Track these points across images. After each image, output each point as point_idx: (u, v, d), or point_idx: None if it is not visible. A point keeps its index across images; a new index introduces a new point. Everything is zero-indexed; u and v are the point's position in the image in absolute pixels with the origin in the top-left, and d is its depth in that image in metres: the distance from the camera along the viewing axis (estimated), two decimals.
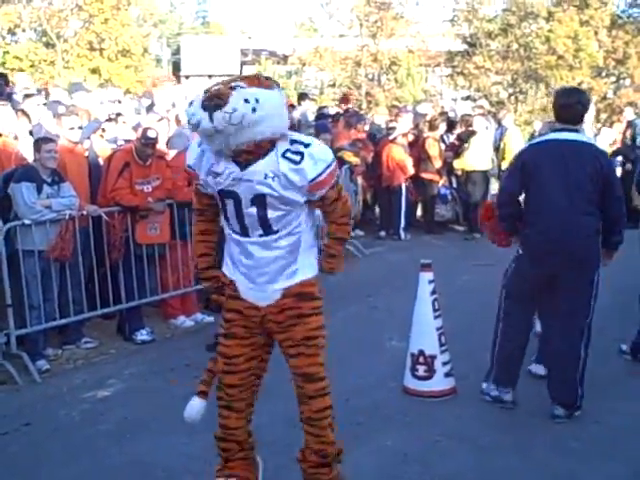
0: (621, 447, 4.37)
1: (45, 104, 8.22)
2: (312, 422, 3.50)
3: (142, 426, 4.81)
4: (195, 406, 3.65)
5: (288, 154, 3.22)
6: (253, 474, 3.73)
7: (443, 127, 12.07)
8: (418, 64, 22.07)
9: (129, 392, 5.49)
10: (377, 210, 12.20)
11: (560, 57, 20.95)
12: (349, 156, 10.37)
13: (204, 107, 3.05)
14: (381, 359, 5.86)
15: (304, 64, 22.74)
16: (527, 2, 21.63)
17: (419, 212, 12.52)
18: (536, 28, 21.89)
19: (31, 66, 21.88)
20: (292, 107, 11.05)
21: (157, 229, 6.78)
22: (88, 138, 7.25)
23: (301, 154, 3.23)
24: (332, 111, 12.36)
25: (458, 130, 12.17)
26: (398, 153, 11.20)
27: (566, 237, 4.58)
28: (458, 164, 11.61)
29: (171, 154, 7.35)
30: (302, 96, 12.52)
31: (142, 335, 6.66)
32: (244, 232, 3.37)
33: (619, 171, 10.73)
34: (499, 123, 12.80)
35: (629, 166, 11.35)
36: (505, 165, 11.34)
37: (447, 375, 5.15)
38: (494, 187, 12.09)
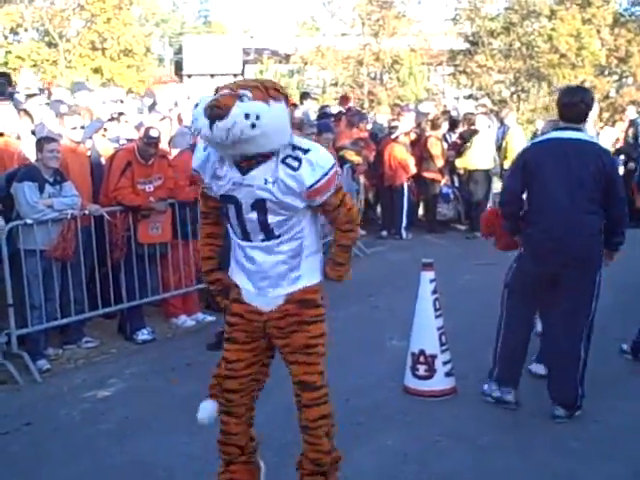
0: (621, 447, 4.37)
1: (47, 104, 8.23)
2: (308, 430, 3.50)
3: (143, 426, 4.82)
4: (207, 408, 3.64)
5: (288, 160, 3.21)
6: (255, 478, 3.72)
7: (445, 126, 12.06)
8: (420, 63, 22.05)
9: (130, 392, 5.50)
10: (379, 209, 12.20)
11: (562, 55, 20.92)
12: (351, 155, 10.37)
13: (206, 114, 3.05)
14: (382, 358, 5.86)
15: (306, 63, 22.72)
16: (529, 0, 21.59)
17: (421, 211, 12.52)
18: (538, 26, 21.86)
19: (33, 65, 21.87)
20: (294, 106, 11.05)
21: (159, 228, 6.78)
22: (90, 138, 7.26)
23: (299, 160, 3.21)
24: (334, 110, 12.36)
25: (460, 129, 12.16)
26: (400, 152, 11.20)
27: (568, 236, 4.57)
28: (460, 163, 11.61)
29: (173, 153, 7.36)
30: (304, 95, 12.54)
31: (143, 335, 6.67)
32: (246, 237, 3.37)
33: (621, 170, 10.71)
34: (501, 122, 12.79)
35: (632, 165, 11.33)
36: (507, 164, 11.33)
37: (447, 375, 5.15)
38: (496, 186, 12.08)
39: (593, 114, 12.02)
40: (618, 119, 15.17)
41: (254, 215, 3.27)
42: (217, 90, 3.21)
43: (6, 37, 23.67)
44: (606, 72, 22.34)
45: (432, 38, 22.75)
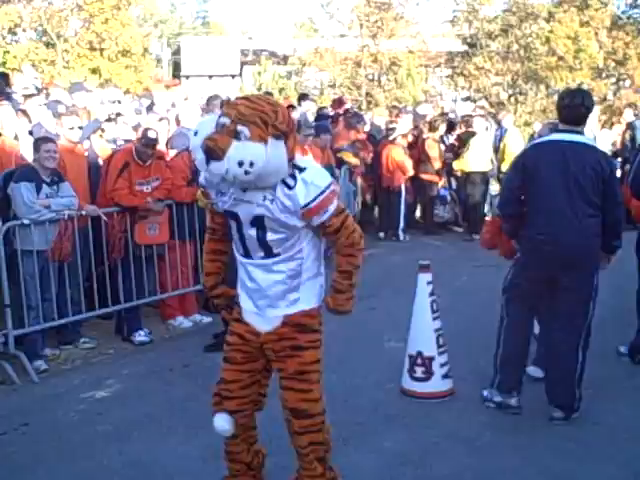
0: (620, 448, 4.37)
1: (46, 104, 8.22)
2: (299, 455, 3.50)
3: (140, 426, 4.81)
4: (222, 418, 3.56)
5: (286, 178, 3.20)
6: None
7: (443, 128, 12.08)
8: (418, 65, 22.07)
9: (127, 392, 5.49)
10: (376, 211, 12.21)
11: (560, 58, 20.96)
12: (349, 157, 10.37)
13: (203, 149, 3.07)
14: (379, 360, 5.85)
15: (304, 64, 22.73)
16: (527, 3, 21.63)
17: (418, 213, 12.53)
18: (536, 29, 21.88)
19: (31, 66, 21.85)
20: (292, 108, 11.05)
21: (156, 229, 6.77)
22: (88, 138, 7.25)
23: (295, 179, 3.19)
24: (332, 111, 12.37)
25: (458, 131, 12.18)
26: (398, 154, 11.20)
27: (566, 239, 4.57)
28: (458, 165, 11.62)
29: (171, 154, 7.36)
30: (302, 96, 12.52)
31: (140, 336, 6.66)
32: (247, 253, 3.36)
33: (618, 173, 10.71)
34: (499, 124, 12.80)
35: (629, 168, 11.32)
36: (504, 166, 11.33)
37: (445, 377, 5.14)
38: (493, 188, 12.09)
39: (594, 117, 12.05)
40: (615, 122, 15.17)
41: (253, 232, 3.27)
42: (223, 104, 3.21)
43: (4, 37, 23.63)
44: (604, 75, 22.38)
45: (430, 40, 22.77)
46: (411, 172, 11.37)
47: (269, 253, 3.30)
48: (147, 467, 4.25)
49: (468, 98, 22.28)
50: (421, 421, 4.78)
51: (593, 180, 4.57)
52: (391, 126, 11.64)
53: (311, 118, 11.23)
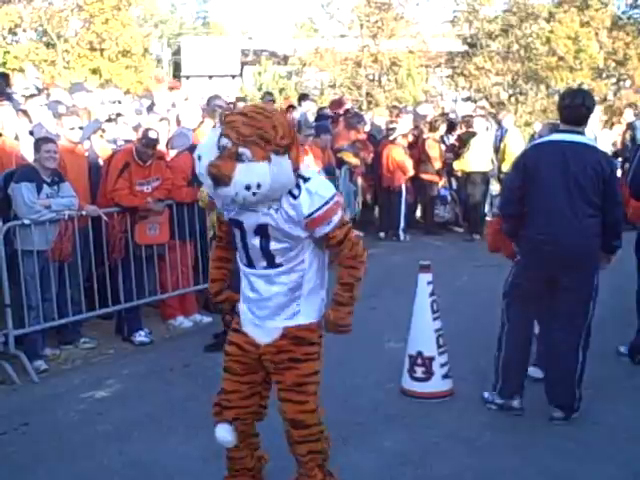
0: (620, 448, 4.37)
1: (46, 104, 8.22)
2: (299, 463, 3.51)
3: (140, 426, 4.81)
4: (224, 428, 3.58)
5: (291, 188, 3.19)
6: None
7: (443, 128, 12.08)
8: (418, 65, 22.08)
9: (127, 392, 5.49)
10: (377, 211, 12.21)
11: (560, 58, 20.97)
12: (349, 157, 10.37)
13: (209, 176, 3.08)
14: (379, 360, 5.86)
15: (304, 64, 22.74)
16: (528, 3, 21.64)
17: (419, 213, 12.53)
18: (537, 29, 21.90)
19: (33, 65, 21.85)
20: (292, 108, 11.06)
21: (156, 229, 6.78)
22: (88, 138, 7.25)
23: (299, 188, 3.18)
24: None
25: (458, 131, 12.18)
26: (398, 154, 11.20)
27: (566, 239, 4.57)
28: (458, 165, 11.62)
29: (171, 154, 7.37)
30: (303, 97, 12.52)
31: (140, 337, 6.66)
32: (250, 263, 3.36)
33: (619, 173, 10.71)
34: (499, 124, 12.81)
35: (628, 167, 11.32)
36: (505, 166, 11.34)
37: (445, 377, 5.14)
38: (494, 188, 12.09)
39: (595, 117, 12.04)
40: (616, 122, 15.18)
41: (257, 240, 3.26)
42: (225, 117, 3.19)
43: (4, 37, 23.64)
44: (604, 75, 22.39)
45: (430, 40, 22.78)
46: (411, 172, 11.37)
47: (272, 263, 3.29)
48: (147, 467, 4.25)
49: (468, 98, 22.30)
50: (421, 421, 4.78)
51: (593, 180, 4.57)
52: (391, 126, 11.64)
53: (311, 118, 11.24)
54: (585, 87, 18.11)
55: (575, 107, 4.70)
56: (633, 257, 5.82)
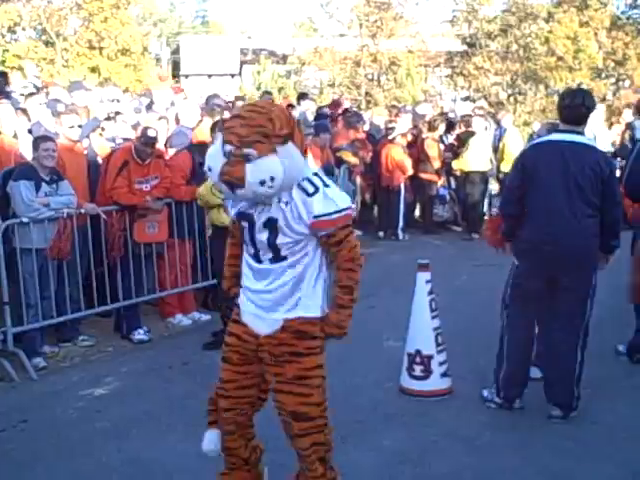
0: (618, 448, 4.37)
1: (45, 103, 8.22)
2: (300, 456, 3.49)
3: (139, 424, 4.82)
4: (212, 439, 3.60)
5: (304, 183, 3.21)
6: None
7: (442, 128, 12.08)
8: (418, 64, 22.08)
9: (126, 390, 5.49)
10: (376, 210, 12.21)
11: (560, 58, 20.99)
12: (348, 156, 10.38)
13: (222, 183, 3.13)
14: (378, 359, 5.86)
15: (303, 64, 22.74)
16: (527, 3, 21.65)
17: (417, 212, 12.54)
18: (536, 29, 21.91)
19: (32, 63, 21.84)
20: (291, 107, 11.06)
21: (155, 228, 6.78)
22: (87, 137, 7.25)
23: (317, 188, 3.21)
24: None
25: (457, 131, 12.18)
26: (397, 153, 11.21)
27: (565, 239, 4.57)
28: (457, 165, 11.62)
29: (170, 153, 7.37)
30: (302, 96, 12.53)
31: (139, 335, 6.66)
32: (256, 256, 3.36)
33: (618, 172, 10.71)
34: (498, 124, 12.81)
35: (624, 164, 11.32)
36: (504, 166, 11.36)
37: (444, 375, 5.15)
38: (493, 188, 12.10)
39: (599, 116, 12.04)
40: (615, 122, 15.19)
41: (265, 234, 3.27)
42: (223, 123, 3.25)
43: (3, 36, 23.63)
44: (603, 75, 22.42)
45: (429, 40, 22.79)
46: (410, 171, 11.38)
47: (277, 256, 3.30)
48: (146, 465, 4.26)
49: (467, 98, 22.29)
50: (420, 420, 4.79)
51: (592, 180, 4.57)
52: (390, 125, 11.64)
53: (310, 117, 11.25)
54: (584, 87, 18.13)
55: (575, 107, 4.69)
56: (629, 256, 5.82)
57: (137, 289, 6.72)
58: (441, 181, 11.89)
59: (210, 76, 28.73)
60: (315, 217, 3.19)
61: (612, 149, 12.14)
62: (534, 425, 4.67)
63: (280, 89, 20.77)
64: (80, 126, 6.85)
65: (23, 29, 23.66)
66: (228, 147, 3.11)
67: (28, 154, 6.42)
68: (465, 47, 22.61)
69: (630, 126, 12.34)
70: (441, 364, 5.13)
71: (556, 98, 5.14)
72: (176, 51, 33.37)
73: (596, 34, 21.40)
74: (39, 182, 6.00)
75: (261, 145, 3.07)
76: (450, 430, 4.62)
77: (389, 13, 21.94)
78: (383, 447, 4.40)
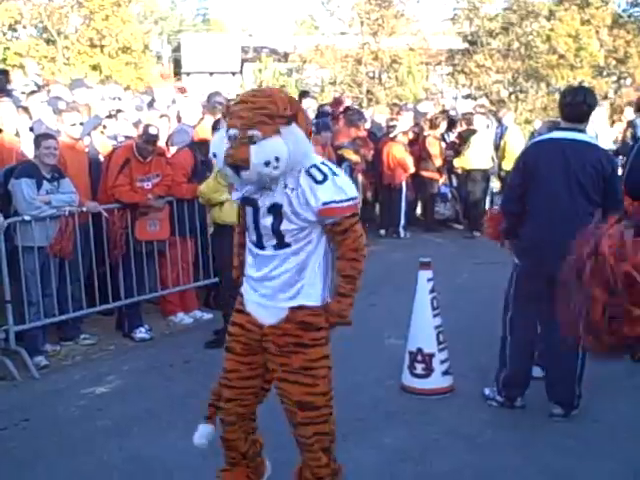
0: (620, 446, 4.37)
1: (46, 101, 8.22)
2: (303, 446, 3.49)
3: (140, 422, 4.82)
4: (204, 432, 3.63)
5: (312, 170, 3.21)
6: None
7: (444, 125, 12.07)
8: (419, 62, 22.06)
9: (127, 388, 5.49)
10: (377, 208, 12.21)
11: (561, 56, 20.96)
12: (349, 154, 10.37)
13: (228, 166, 3.13)
14: (379, 357, 5.86)
15: (305, 62, 22.73)
16: (528, 1, 21.62)
17: (419, 210, 12.53)
18: (537, 27, 21.89)
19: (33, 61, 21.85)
20: None
21: (157, 226, 6.78)
22: (88, 135, 7.25)
23: (325, 176, 3.21)
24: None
25: (459, 129, 12.17)
26: (399, 151, 11.21)
27: (566, 237, 4.55)
28: (458, 163, 11.62)
29: (172, 151, 7.37)
30: (303, 94, 12.51)
31: (141, 333, 6.66)
32: (259, 242, 3.36)
33: (620, 171, 10.70)
34: (499, 122, 12.80)
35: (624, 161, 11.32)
36: (505, 164, 11.35)
37: (445, 373, 5.15)
38: (494, 186, 12.09)
39: (603, 114, 12.02)
40: (616, 120, 15.17)
41: (269, 220, 3.27)
42: (227, 109, 3.25)
43: (4, 34, 23.63)
44: (604, 73, 22.38)
45: (431, 37, 22.78)
46: (412, 169, 11.37)
47: (281, 242, 3.30)
48: (147, 462, 4.26)
49: (469, 96, 22.27)
50: (421, 418, 4.79)
51: (593, 178, 4.56)
52: (392, 123, 11.64)
53: (312, 115, 11.24)
54: (585, 85, 18.12)
55: (576, 105, 4.68)
56: None
57: (139, 287, 6.73)
58: (442, 179, 11.88)
59: (211, 74, 28.73)
60: (324, 204, 3.19)
61: (614, 147, 12.12)
62: (535, 423, 4.67)
63: (281, 87, 20.74)
64: (82, 124, 6.86)
65: (24, 27, 23.66)
66: (232, 131, 3.13)
67: (29, 152, 6.43)
68: (466, 45, 22.59)
69: (632, 124, 12.34)
70: (442, 362, 5.13)
71: (557, 96, 5.13)
72: (177, 49, 33.38)
73: (597, 32, 21.37)
74: (40, 180, 6.00)
75: (265, 126, 3.09)
76: (451, 428, 4.62)
77: (390, 11, 21.93)
78: (384, 445, 4.40)
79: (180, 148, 7.26)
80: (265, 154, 3.07)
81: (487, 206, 11.85)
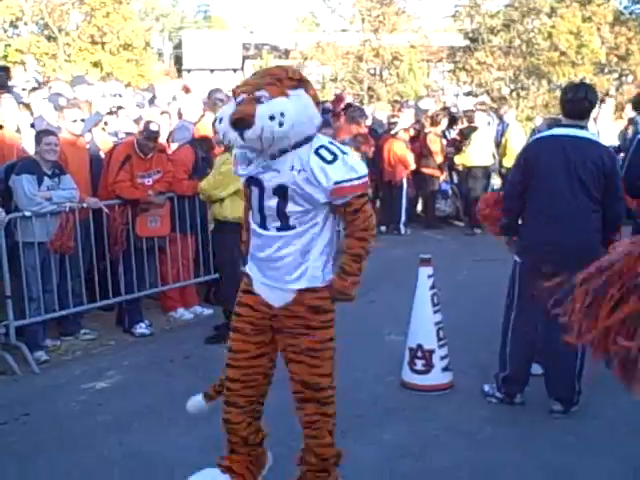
0: (619, 442, 4.37)
1: (47, 97, 8.23)
2: (310, 426, 3.50)
3: (140, 417, 4.83)
4: (195, 402, 3.73)
5: (321, 150, 3.22)
6: (253, 472, 3.70)
7: (445, 122, 12.06)
8: (420, 59, 22.09)
9: (128, 383, 5.50)
10: (378, 205, 12.20)
11: (562, 53, 20.94)
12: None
13: (233, 126, 3.11)
14: (379, 353, 5.87)
15: (306, 58, 22.74)
16: None
17: (420, 207, 12.53)
18: (538, 24, 21.87)
19: (34, 58, 21.86)
20: None
21: (157, 222, 6.78)
22: (89, 131, 7.26)
23: (335, 155, 3.22)
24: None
25: (460, 126, 12.17)
26: (400, 148, 11.21)
27: (567, 234, 4.56)
28: (459, 159, 11.61)
29: (172, 148, 7.38)
30: None
31: (141, 328, 6.67)
32: (263, 223, 3.37)
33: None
34: (501, 119, 12.79)
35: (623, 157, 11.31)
36: (506, 161, 11.35)
37: (445, 369, 5.15)
38: (495, 183, 12.08)
39: (608, 112, 12.00)
40: (617, 117, 15.16)
41: (274, 201, 3.27)
42: (234, 92, 3.26)
43: (5, 30, 23.66)
44: (606, 70, 22.36)
45: (432, 35, 22.80)
46: (413, 166, 11.37)
47: (285, 224, 3.31)
48: (147, 458, 4.26)
49: (470, 93, 22.27)
50: (421, 414, 4.79)
51: (594, 175, 4.56)
52: (393, 120, 11.65)
53: None
54: (587, 82, 18.08)
55: (577, 101, 4.68)
56: None
57: (139, 283, 6.73)
58: (443, 176, 11.88)
59: (212, 71, 28.74)
60: (336, 183, 3.19)
61: (619, 142, 12.10)
62: (535, 420, 4.68)
63: None
64: (82, 120, 6.86)
65: (25, 24, 23.69)
66: (241, 97, 3.16)
67: (30, 148, 6.43)
68: (467, 42, 22.59)
69: (633, 121, 12.32)
70: (442, 358, 5.14)
71: (559, 93, 5.12)
72: (178, 46, 33.39)
73: (599, 29, 21.34)
74: (41, 176, 6.01)
75: (273, 87, 3.12)
76: (451, 424, 4.62)
77: (391, 8, 21.94)
78: (384, 441, 4.41)
79: (181, 145, 7.27)
80: (270, 109, 3.07)
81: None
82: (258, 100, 3.09)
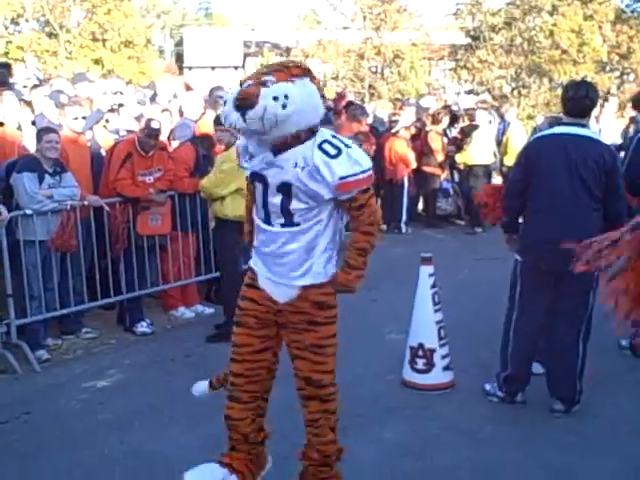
0: (621, 442, 4.37)
1: (48, 95, 8.22)
2: (313, 424, 3.51)
3: (142, 416, 4.83)
4: (200, 386, 3.80)
5: (325, 145, 3.21)
6: (252, 471, 3.69)
7: (446, 121, 12.04)
8: (421, 57, 22.05)
9: (129, 382, 5.50)
10: (379, 203, 12.20)
11: (564, 51, 20.90)
12: None
13: (236, 107, 3.09)
14: (380, 352, 5.87)
15: (307, 56, 22.67)
16: None
17: (421, 206, 12.52)
18: (540, 22, 21.83)
19: (34, 56, 21.86)
20: None
21: (158, 220, 6.78)
22: (90, 129, 7.25)
23: (339, 150, 3.21)
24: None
25: (461, 124, 12.15)
26: (401, 146, 11.19)
27: (568, 233, 4.55)
28: (460, 158, 11.60)
29: (174, 145, 7.37)
30: None
31: (142, 327, 6.67)
32: (267, 219, 3.37)
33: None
34: (502, 117, 12.77)
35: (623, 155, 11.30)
36: (507, 159, 11.33)
37: (446, 368, 5.15)
38: (496, 181, 12.07)
39: (611, 110, 11.98)
40: (619, 116, 15.14)
41: (278, 198, 3.28)
42: (241, 83, 3.25)
43: (7, 27, 23.65)
44: (607, 68, 22.32)
45: (433, 33, 22.75)
46: (414, 165, 11.36)
47: (290, 221, 3.31)
48: (148, 457, 4.27)
49: (471, 91, 22.24)
50: (422, 413, 4.80)
51: (595, 173, 4.56)
52: (394, 118, 11.63)
53: None
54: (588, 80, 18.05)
55: (579, 99, 4.67)
56: None
57: (140, 282, 6.73)
58: (444, 174, 11.86)
59: (213, 68, 28.73)
60: (341, 178, 3.19)
61: (621, 141, 12.09)
62: (536, 419, 4.68)
63: None
64: (84, 118, 6.85)
65: (26, 21, 23.69)
66: (247, 83, 3.17)
67: (32, 146, 6.43)
68: (469, 40, 22.54)
69: (634, 120, 12.31)
70: (443, 357, 5.14)
71: (560, 91, 5.11)
72: (179, 43, 33.37)
73: (600, 27, 21.30)
74: (42, 174, 6.01)
75: (279, 73, 3.13)
76: (452, 423, 4.63)
77: (393, 6, 21.90)
78: (384, 440, 4.41)
79: (182, 142, 7.26)
80: (274, 91, 3.08)
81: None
82: (264, 84, 3.09)
